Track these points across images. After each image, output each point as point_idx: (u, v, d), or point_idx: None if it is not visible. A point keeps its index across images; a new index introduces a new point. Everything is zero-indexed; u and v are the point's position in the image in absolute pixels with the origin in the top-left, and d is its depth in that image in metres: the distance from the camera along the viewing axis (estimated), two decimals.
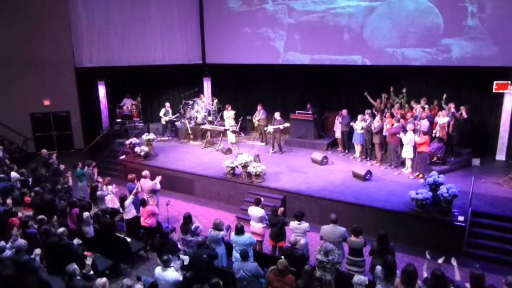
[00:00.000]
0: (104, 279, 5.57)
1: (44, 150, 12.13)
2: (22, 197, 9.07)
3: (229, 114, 15.01)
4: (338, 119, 13.41)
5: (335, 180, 11.14)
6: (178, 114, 16.15)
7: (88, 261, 6.23)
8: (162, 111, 15.99)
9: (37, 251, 6.78)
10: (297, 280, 5.75)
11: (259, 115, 14.85)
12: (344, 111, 13.13)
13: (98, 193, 9.32)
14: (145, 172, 9.82)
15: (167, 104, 16.12)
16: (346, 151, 13.50)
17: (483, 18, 11.96)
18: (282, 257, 6.65)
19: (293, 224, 7.55)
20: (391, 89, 13.82)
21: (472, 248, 8.57)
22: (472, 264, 5.80)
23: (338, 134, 13.64)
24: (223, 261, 7.27)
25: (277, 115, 13.75)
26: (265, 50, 16.23)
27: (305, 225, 7.52)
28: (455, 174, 11.41)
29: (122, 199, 8.84)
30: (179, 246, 7.63)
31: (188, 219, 7.69)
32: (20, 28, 15.36)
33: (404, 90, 13.51)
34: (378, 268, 5.87)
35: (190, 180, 12.33)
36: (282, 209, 8.20)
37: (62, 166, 11.18)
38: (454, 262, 5.85)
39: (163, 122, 16.07)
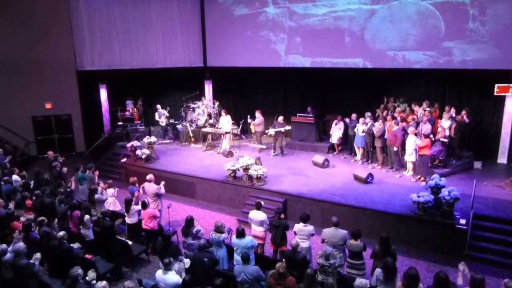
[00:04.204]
0: (104, 282, 5.55)
1: (50, 152, 12.15)
2: (24, 200, 9.08)
3: (225, 119, 14.73)
4: (337, 124, 13.45)
5: (337, 183, 11.13)
6: (169, 111, 16.20)
7: (92, 275, 6.18)
8: (156, 115, 16.04)
9: (37, 255, 6.77)
10: (299, 283, 5.73)
11: (255, 121, 14.47)
12: (354, 115, 13.11)
13: (96, 196, 9.33)
14: (150, 176, 9.82)
15: (158, 106, 16.17)
16: (352, 154, 13.46)
17: (484, 21, 11.96)
18: (283, 260, 6.65)
19: (298, 226, 7.53)
20: (392, 99, 13.91)
21: (474, 251, 8.54)
22: (474, 268, 5.76)
23: (333, 139, 13.62)
24: (224, 264, 7.25)
25: (280, 119, 13.75)
26: (266, 53, 16.25)
27: (310, 227, 7.50)
28: (456, 177, 11.40)
29: (128, 202, 8.81)
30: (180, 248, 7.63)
31: (190, 222, 7.69)
32: (22, 32, 15.43)
33: (401, 100, 13.58)
34: (378, 270, 5.86)
35: (191, 183, 12.33)
36: (283, 216, 8.19)
37: (64, 169, 11.17)
38: (461, 266, 5.79)
39: (162, 124, 16.09)
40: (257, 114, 14.48)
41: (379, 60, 13.99)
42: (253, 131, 14.71)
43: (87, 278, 6.02)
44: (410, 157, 11.09)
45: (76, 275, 5.74)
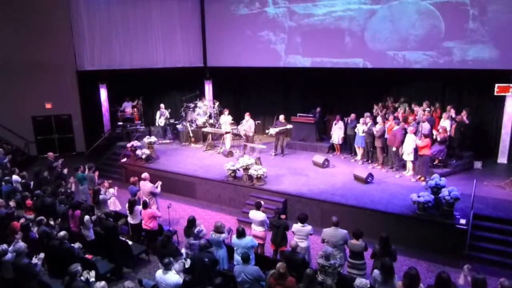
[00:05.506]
0: (103, 283, 5.55)
1: (50, 153, 12.13)
2: (24, 200, 9.09)
3: (226, 119, 14.72)
4: (336, 124, 13.45)
5: (337, 183, 11.13)
6: (169, 110, 16.21)
7: (87, 275, 6.17)
8: (158, 114, 16.03)
9: (41, 255, 6.76)
10: (299, 284, 5.73)
11: (246, 124, 14.02)
12: (353, 115, 13.10)
13: (101, 197, 9.32)
14: (145, 174, 9.86)
15: (162, 105, 16.16)
16: (352, 154, 13.46)
17: (484, 21, 11.96)
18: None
19: (296, 226, 7.54)
20: (391, 99, 13.92)
21: (474, 251, 8.54)
22: (474, 268, 5.76)
23: (334, 139, 13.63)
24: (224, 264, 7.26)
25: (281, 118, 13.74)
26: (266, 53, 16.25)
27: (308, 227, 7.51)
28: (456, 177, 11.39)
29: (132, 202, 8.82)
30: (182, 249, 7.63)
31: (192, 222, 7.68)
32: (22, 32, 15.44)
33: (402, 100, 13.56)
34: (376, 272, 5.86)
35: (191, 183, 12.33)
36: (283, 216, 8.20)
37: (65, 170, 11.17)
38: (466, 269, 5.79)
39: (161, 124, 16.07)
40: (247, 117, 14.08)
41: (379, 60, 13.99)
42: (241, 133, 14.16)
43: (82, 277, 6.01)
44: (408, 156, 11.08)
45: (75, 271, 5.76)
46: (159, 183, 9.87)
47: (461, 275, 5.76)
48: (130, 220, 8.90)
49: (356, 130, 12.63)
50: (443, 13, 12.57)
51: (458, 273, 5.81)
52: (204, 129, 15.34)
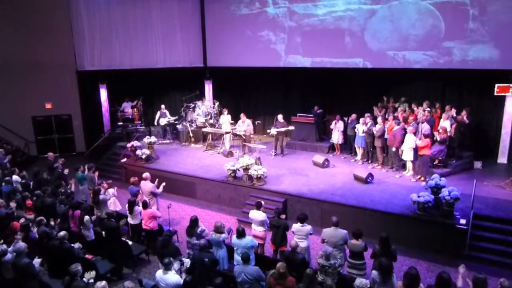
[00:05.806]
0: (103, 283, 5.55)
1: (50, 154, 12.12)
2: (24, 201, 9.09)
3: (225, 118, 14.72)
4: (336, 123, 13.45)
5: (337, 183, 11.13)
6: (176, 117, 16.20)
7: (90, 275, 6.18)
8: (158, 114, 16.01)
9: (38, 260, 6.77)
10: (299, 284, 5.73)
11: (243, 125, 13.98)
12: (353, 115, 13.08)
13: (101, 197, 9.32)
14: (146, 174, 9.85)
15: (162, 106, 16.12)
16: (352, 154, 13.46)
17: (484, 21, 11.96)
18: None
19: (296, 226, 7.54)
20: (391, 99, 13.90)
21: (474, 251, 8.55)
22: (474, 268, 5.76)
23: (334, 138, 13.63)
24: (224, 264, 7.26)
25: (280, 117, 13.74)
26: (266, 53, 16.26)
27: (307, 227, 7.52)
28: (456, 177, 11.39)
29: (131, 202, 8.81)
30: (181, 249, 7.63)
31: (194, 222, 7.68)
32: (22, 32, 15.44)
33: (403, 99, 13.55)
34: (374, 273, 5.84)
35: (191, 183, 12.33)
36: (283, 216, 8.20)
37: (66, 171, 11.17)
38: (462, 269, 5.80)
39: (162, 124, 16.06)
40: (243, 118, 14.02)
41: (379, 60, 13.99)
42: (240, 133, 14.04)
43: (84, 279, 6.01)
44: (407, 155, 11.08)
45: (75, 271, 5.76)
46: (163, 184, 9.88)
47: (459, 276, 5.76)
48: (130, 220, 8.90)
49: (356, 130, 12.64)
50: (443, 13, 12.57)
51: (458, 273, 5.80)
52: (204, 129, 15.34)
